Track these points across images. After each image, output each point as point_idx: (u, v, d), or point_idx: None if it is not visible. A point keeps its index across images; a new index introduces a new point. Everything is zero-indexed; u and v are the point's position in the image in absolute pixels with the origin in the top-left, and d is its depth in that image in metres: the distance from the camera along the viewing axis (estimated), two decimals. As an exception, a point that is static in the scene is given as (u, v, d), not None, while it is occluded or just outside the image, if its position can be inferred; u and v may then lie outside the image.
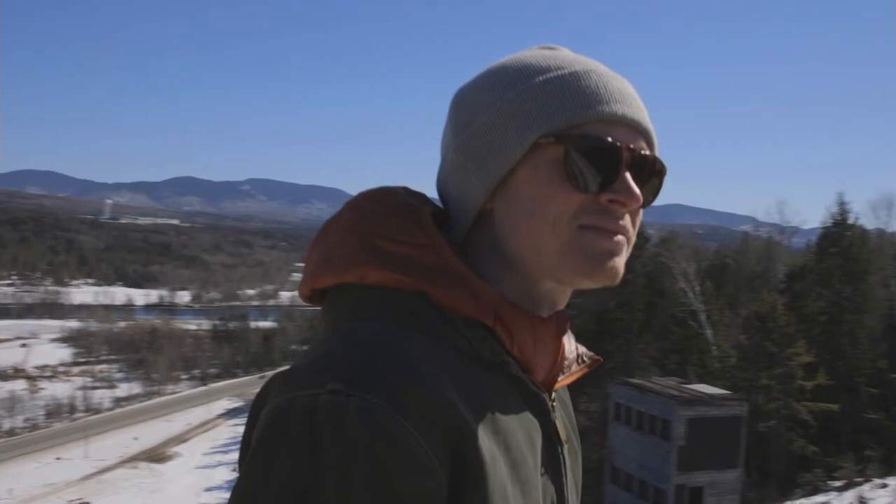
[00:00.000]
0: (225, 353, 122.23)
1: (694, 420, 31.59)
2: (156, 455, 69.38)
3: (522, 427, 0.89)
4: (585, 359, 1.07)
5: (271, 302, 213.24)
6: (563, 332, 0.99)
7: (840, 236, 51.29)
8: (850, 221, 52.27)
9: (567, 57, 0.96)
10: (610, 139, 0.90)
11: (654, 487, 32.86)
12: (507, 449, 0.83)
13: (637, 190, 0.91)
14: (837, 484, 37.17)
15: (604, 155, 0.89)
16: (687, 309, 48.07)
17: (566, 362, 1.02)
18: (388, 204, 0.94)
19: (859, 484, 35.86)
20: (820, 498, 36.76)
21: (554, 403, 0.99)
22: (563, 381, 1.02)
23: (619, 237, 0.92)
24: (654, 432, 33.07)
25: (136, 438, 75.54)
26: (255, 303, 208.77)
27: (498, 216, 0.94)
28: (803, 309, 46.67)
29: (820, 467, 39.20)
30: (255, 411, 0.82)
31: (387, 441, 0.72)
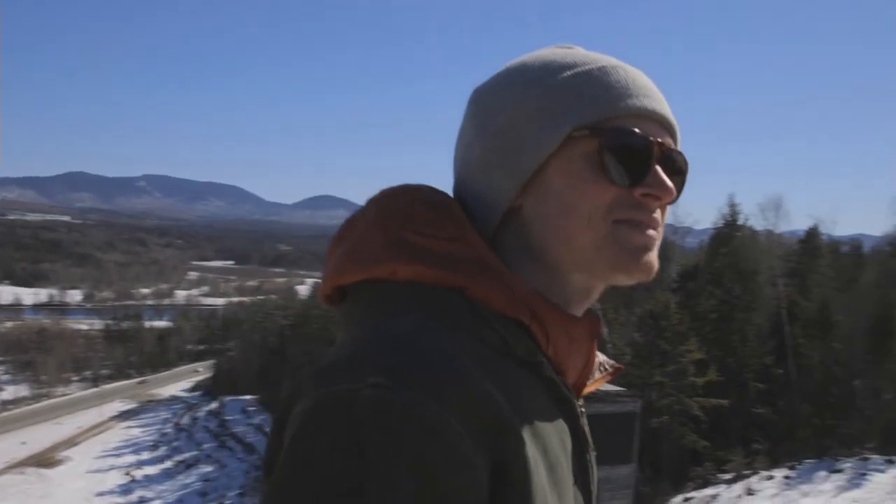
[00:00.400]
0: (118, 353, 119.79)
1: (590, 417, 31.99)
2: (44, 460, 66.80)
3: (556, 430, 0.86)
4: (607, 367, 1.03)
5: (166, 301, 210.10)
6: (596, 334, 0.95)
7: (730, 237, 52.93)
8: (741, 222, 54.00)
9: (589, 54, 0.95)
10: (642, 133, 0.90)
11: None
12: (545, 451, 0.81)
13: (670, 184, 0.91)
14: (727, 476, 38.30)
15: (637, 149, 0.89)
16: (583, 308, 48.67)
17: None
18: (418, 198, 0.92)
19: (747, 476, 36.99)
20: (710, 490, 37.81)
21: (583, 409, 0.96)
22: (588, 387, 1.00)
23: (652, 231, 0.91)
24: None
25: (23, 443, 72.59)
26: (149, 302, 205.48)
27: (528, 212, 0.92)
28: (695, 307, 47.90)
29: (710, 461, 40.29)
30: (282, 415, 0.78)
31: (431, 436, 0.69)
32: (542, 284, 0.90)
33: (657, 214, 0.92)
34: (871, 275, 44.92)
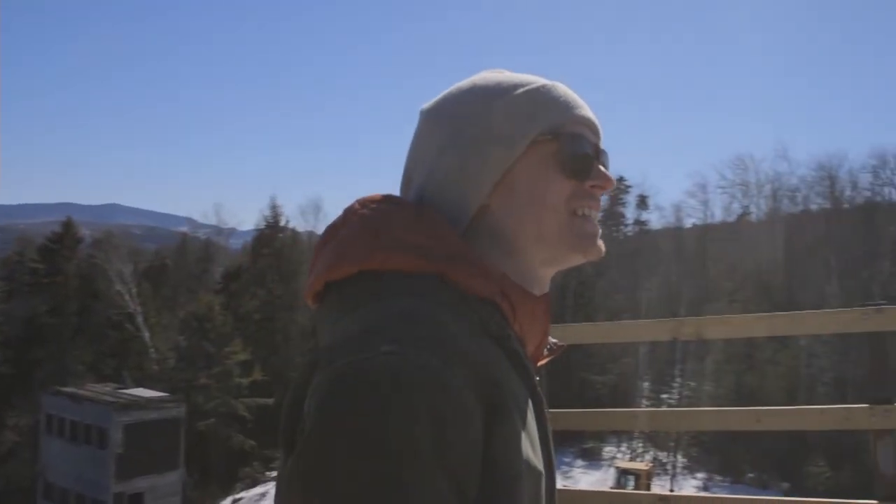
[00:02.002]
0: None
1: (131, 426, 30.91)
2: None
3: (523, 394, 1.00)
4: (551, 345, 1.19)
5: None
6: (550, 311, 1.12)
7: (273, 238, 54.12)
8: (283, 224, 55.44)
9: (527, 75, 1.15)
10: (585, 136, 1.11)
11: (91, 499, 31.46)
12: (518, 409, 0.94)
13: (611, 175, 1.13)
14: (274, 474, 38.92)
15: (585, 149, 1.10)
16: (124, 311, 47.00)
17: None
18: (398, 203, 1.07)
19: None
20: (259, 489, 38.28)
21: (538, 377, 1.10)
22: (541, 361, 1.17)
23: (595, 220, 1.12)
24: (90, 442, 31.74)
25: None
26: None
27: (496, 208, 1.08)
28: (239, 308, 48.29)
29: (259, 460, 40.90)
30: (298, 390, 0.90)
31: (439, 390, 0.82)
32: (509, 270, 1.07)
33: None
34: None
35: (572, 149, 1.08)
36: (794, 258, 53.20)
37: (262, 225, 55.21)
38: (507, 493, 0.88)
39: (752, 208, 64.90)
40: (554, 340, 1.20)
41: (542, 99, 1.11)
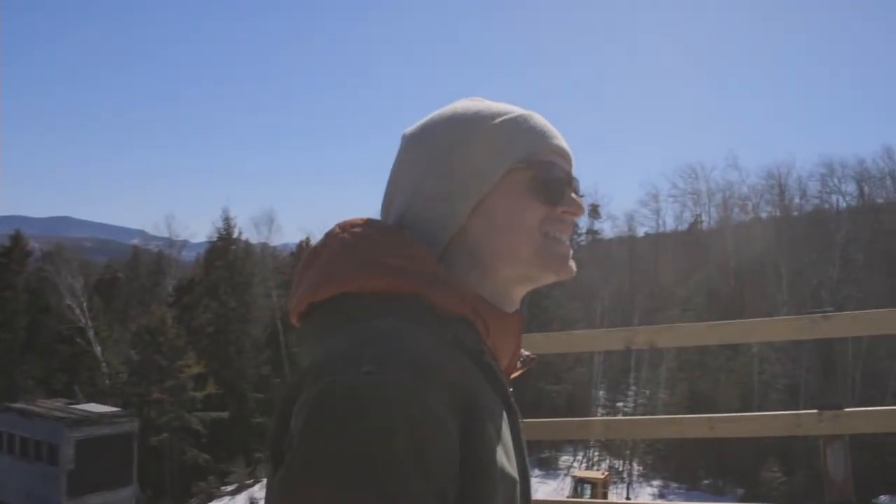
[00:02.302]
0: None
1: (83, 441, 30.33)
2: None
3: (497, 406, 1.06)
4: (524, 358, 1.26)
5: None
6: (522, 327, 1.19)
7: (226, 250, 53.57)
8: (236, 235, 54.92)
9: (503, 104, 1.23)
10: (559, 164, 1.19)
11: (42, 518, 30.67)
12: (493, 419, 1.01)
13: (582, 202, 1.22)
14: (230, 488, 38.65)
15: (559, 177, 1.17)
16: (75, 326, 46.26)
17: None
18: (376, 227, 1.14)
19: (250, 486, 37.73)
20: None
21: (511, 389, 1.16)
22: (514, 373, 1.23)
23: (567, 242, 1.20)
24: (40, 458, 31.07)
25: None
26: None
27: (474, 231, 1.15)
28: (192, 321, 47.75)
29: (214, 474, 40.42)
30: (286, 405, 0.97)
31: (415, 404, 0.89)
32: (483, 289, 1.14)
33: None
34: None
35: (546, 176, 1.16)
36: (745, 266, 53.94)
37: (215, 237, 54.63)
38: (484, 497, 0.94)
39: (704, 217, 65.89)
40: (527, 353, 1.26)
41: (518, 129, 1.18)
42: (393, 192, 1.22)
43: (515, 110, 1.21)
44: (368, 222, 1.16)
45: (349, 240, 1.11)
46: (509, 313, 1.16)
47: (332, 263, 1.09)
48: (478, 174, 1.15)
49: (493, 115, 1.19)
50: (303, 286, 1.11)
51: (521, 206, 1.15)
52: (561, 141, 1.22)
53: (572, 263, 1.20)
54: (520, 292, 1.21)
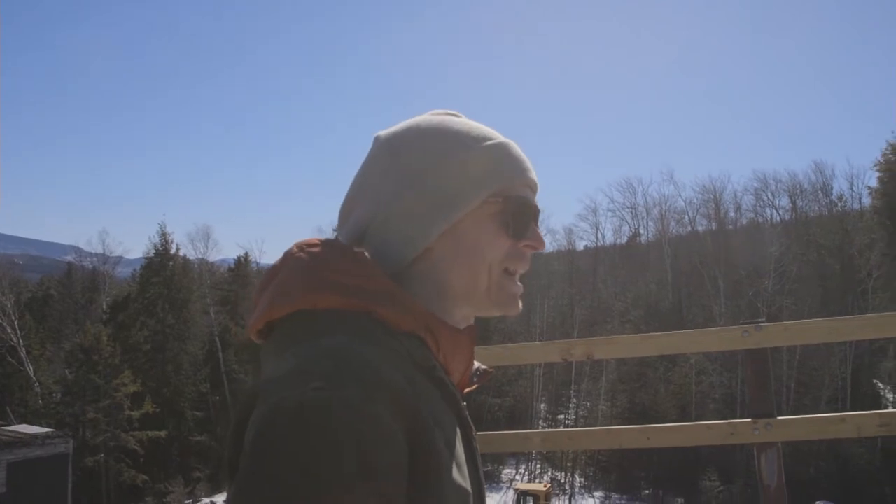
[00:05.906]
0: None
1: (15, 464, 29.49)
2: None
3: (450, 420, 1.08)
4: (480, 372, 1.29)
5: None
6: (475, 343, 1.19)
7: (163, 266, 52.72)
8: (173, 251, 54.08)
9: (483, 127, 1.25)
10: (530, 200, 1.22)
11: (-35, 546, 29.74)
12: (444, 434, 1.02)
13: (542, 237, 1.24)
14: (168, 509, 37.79)
15: (527, 212, 1.21)
16: (5, 345, 45.01)
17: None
18: (332, 246, 1.16)
19: (189, 505, 37.04)
20: (151, 525, 36.90)
21: (464, 403, 1.17)
22: (468, 389, 1.25)
23: (519, 282, 1.23)
24: (-31, 483, 30.01)
25: None
26: None
27: (438, 253, 1.17)
28: (128, 339, 46.88)
29: (151, 495, 39.67)
30: (240, 422, 0.98)
31: (363, 419, 0.90)
32: (437, 307, 1.16)
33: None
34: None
35: (517, 210, 1.19)
36: (682, 278, 54.82)
37: (151, 252, 53.71)
38: None
39: (642, 230, 66.83)
40: (483, 367, 1.30)
41: (499, 159, 1.20)
42: (356, 197, 1.23)
43: (496, 137, 1.23)
44: (325, 242, 1.17)
45: (305, 259, 1.13)
46: (461, 329, 1.17)
47: (287, 282, 1.11)
48: (453, 200, 1.16)
49: (475, 139, 1.21)
50: (261, 304, 1.13)
51: (489, 238, 1.17)
52: (534, 174, 1.25)
53: (520, 303, 1.23)
54: (471, 315, 1.24)
